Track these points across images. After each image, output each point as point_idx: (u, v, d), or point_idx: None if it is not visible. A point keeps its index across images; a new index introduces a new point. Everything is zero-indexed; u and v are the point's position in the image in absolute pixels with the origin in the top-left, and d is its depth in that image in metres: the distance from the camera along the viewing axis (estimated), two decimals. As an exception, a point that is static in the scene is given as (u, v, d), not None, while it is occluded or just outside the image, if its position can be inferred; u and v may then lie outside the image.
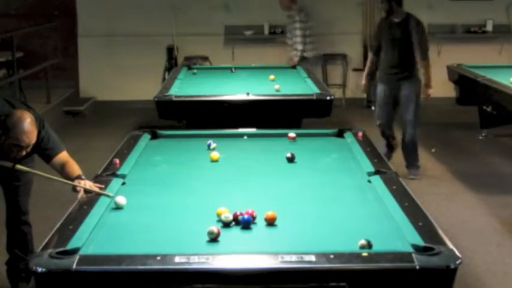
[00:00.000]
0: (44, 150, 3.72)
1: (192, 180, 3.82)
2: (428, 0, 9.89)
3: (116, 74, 9.91)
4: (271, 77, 7.02)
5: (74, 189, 3.51)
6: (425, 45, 6.52)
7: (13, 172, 3.87)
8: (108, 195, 3.38)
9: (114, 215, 3.18)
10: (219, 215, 3.04)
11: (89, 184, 3.48)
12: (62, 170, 3.66)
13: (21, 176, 3.99)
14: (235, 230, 2.97)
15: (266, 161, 4.21)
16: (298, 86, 6.76)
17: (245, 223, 2.98)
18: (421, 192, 5.12)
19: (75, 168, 3.63)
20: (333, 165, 4.16)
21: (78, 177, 3.54)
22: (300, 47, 8.52)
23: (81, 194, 3.42)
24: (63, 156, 3.73)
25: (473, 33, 9.89)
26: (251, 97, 5.98)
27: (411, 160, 6.63)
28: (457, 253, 2.62)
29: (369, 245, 2.68)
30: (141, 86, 9.68)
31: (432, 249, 2.62)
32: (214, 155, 4.19)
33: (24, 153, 3.57)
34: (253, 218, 3.02)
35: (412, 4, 9.87)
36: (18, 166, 3.66)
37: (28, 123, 3.50)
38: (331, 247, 2.69)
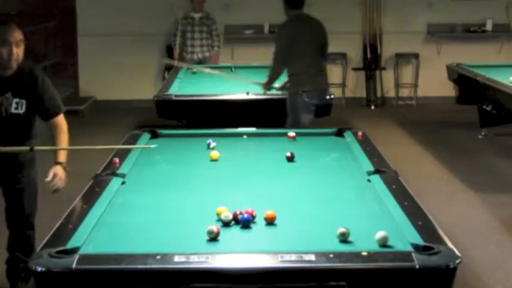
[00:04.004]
0: (44, 105, 3.75)
1: (192, 179, 3.82)
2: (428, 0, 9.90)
3: (115, 74, 9.91)
4: (271, 76, 6.99)
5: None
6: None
7: (18, 168, 3.87)
8: (149, 147, 3.80)
9: (114, 215, 3.17)
10: (218, 214, 3.04)
11: (59, 176, 3.61)
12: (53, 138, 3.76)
13: (23, 178, 3.92)
14: (235, 230, 2.96)
15: (266, 160, 4.21)
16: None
17: (245, 222, 2.98)
18: (421, 191, 5.10)
19: (61, 150, 3.72)
20: (332, 165, 4.16)
21: (59, 164, 3.66)
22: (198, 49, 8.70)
23: (49, 179, 3.59)
24: (61, 122, 3.81)
25: (473, 33, 9.89)
26: (251, 96, 5.99)
27: None
28: (457, 252, 2.62)
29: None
30: (141, 86, 9.68)
31: (432, 248, 2.62)
32: (214, 154, 4.18)
33: (15, 55, 3.58)
34: (253, 217, 3.02)
35: (412, 4, 9.96)
36: (36, 147, 3.69)
37: (13, 24, 3.57)
38: (331, 246, 2.69)
